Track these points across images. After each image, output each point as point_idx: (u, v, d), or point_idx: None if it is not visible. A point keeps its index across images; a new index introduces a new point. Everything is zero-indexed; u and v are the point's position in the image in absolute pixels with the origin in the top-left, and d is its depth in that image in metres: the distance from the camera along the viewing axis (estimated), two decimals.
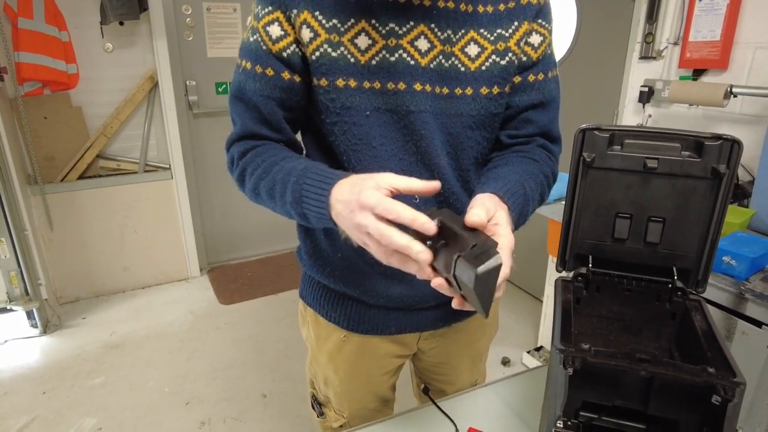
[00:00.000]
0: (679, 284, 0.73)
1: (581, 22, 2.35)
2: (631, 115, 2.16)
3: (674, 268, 0.73)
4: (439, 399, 0.91)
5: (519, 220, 0.69)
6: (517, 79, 0.79)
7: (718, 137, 0.67)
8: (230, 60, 2.97)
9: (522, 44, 0.77)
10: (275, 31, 0.71)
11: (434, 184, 0.58)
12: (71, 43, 2.51)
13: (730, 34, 1.72)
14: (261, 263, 3.34)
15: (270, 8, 0.71)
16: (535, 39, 0.78)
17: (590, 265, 0.75)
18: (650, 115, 2.08)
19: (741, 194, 1.67)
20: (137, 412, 2.02)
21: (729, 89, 1.66)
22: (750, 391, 1.17)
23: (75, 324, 2.63)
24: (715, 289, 1.22)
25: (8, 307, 2.42)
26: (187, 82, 2.90)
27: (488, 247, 0.51)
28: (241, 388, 2.16)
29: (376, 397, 0.99)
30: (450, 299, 0.88)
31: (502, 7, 0.76)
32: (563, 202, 0.89)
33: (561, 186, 0.87)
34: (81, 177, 2.70)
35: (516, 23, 0.76)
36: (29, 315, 2.48)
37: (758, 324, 1.14)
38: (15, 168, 2.36)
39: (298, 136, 0.83)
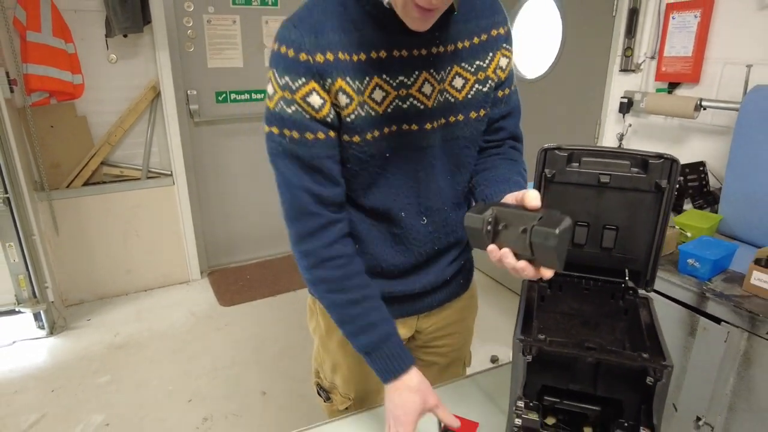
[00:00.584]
0: (630, 284, 0.83)
1: (566, 36, 2.46)
2: (612, 125, 2.27)
3: (626, 270, 0.84)
4: None
5: None
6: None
7: (660, 156, 0.77)
8: (230, 70, 3.08)
9: (497, 71, 0.90)
10: (316, 100, 0.76)
11: None
12: (77, 54, 2.61)
13: (701, 50, 1.83)
14: (260, 266, 3.43)
15: (303, 80, 0.75)
16: (503, 62, 0.91)
17: None
18: (630, 125, 2.19)
19: (712, 200, 1.78)
20: (142, 409, 2.11)
21: (699, 102, 1.77)
22: (710, 381, 1.27)
23: (80, 325, 2.72)
24: (680, 289, 1.33)
25: (16, 309, 2.51)
26: (189, 92, 3.00)
27: (556, 215, 0.64)
28: (242, 386, 2.25)
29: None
30: (439, 287, 1.02)
31: (476, 40, 0.87)
32: None
33: None
34: (86, 183, 2.79)
35: (491, 54, 0.89)
36: (36, 317, 2.58)
37: (717, 321, 1.25)
38: (23, 175, 2.45)
39: None
